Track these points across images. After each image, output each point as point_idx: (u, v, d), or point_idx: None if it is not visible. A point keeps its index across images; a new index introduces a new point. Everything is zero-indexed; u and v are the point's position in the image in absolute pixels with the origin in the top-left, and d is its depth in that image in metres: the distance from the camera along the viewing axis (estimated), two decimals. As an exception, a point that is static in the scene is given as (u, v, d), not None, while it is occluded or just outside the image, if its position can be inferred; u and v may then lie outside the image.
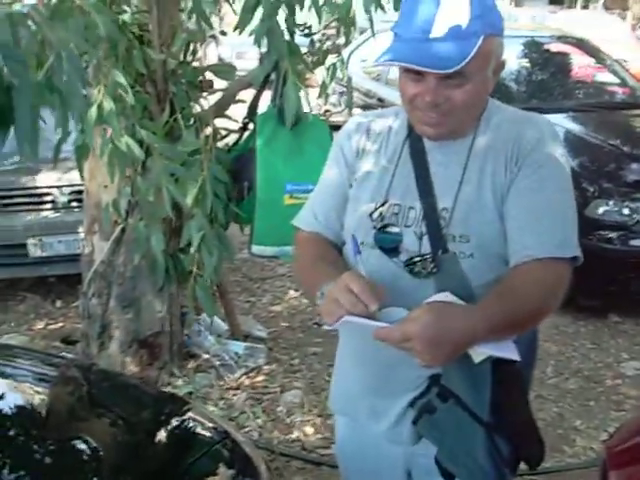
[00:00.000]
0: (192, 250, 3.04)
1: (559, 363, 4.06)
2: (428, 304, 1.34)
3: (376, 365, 1.57)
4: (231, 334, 4.03)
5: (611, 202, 4.53)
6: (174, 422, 2.04)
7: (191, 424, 2.00)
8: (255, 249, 3.31)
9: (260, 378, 3.80)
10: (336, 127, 1.80)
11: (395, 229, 1.53)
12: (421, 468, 1.73)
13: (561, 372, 3.96)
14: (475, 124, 1.52)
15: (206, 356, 3.81)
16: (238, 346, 3.92)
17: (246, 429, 3.32)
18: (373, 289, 1.36)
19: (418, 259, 1.49)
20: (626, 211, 4.49)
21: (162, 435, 1.97)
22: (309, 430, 3.37)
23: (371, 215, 1.55)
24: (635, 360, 4.12)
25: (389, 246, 1.52)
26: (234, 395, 3.61)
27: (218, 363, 3.78)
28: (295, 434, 3.34)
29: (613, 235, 4.47)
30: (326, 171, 1.71)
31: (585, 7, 31.36)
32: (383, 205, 1.54)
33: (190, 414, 2.04)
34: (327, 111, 3.67)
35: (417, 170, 1.54)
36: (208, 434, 1.98)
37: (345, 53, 3.44)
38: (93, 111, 2.62)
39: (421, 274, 1.48)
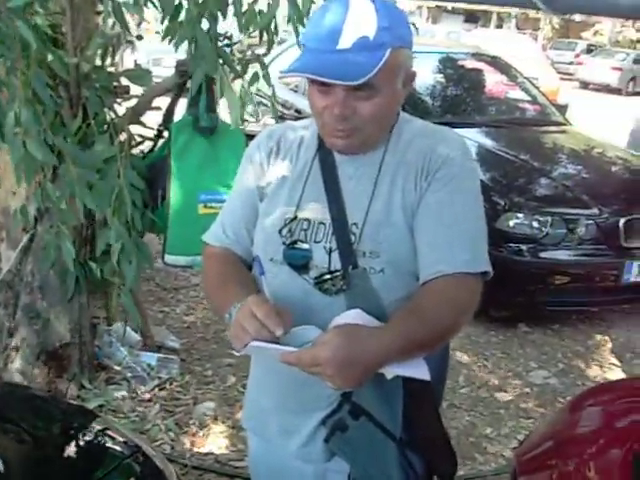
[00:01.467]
0: (113, 259, 2.96)
1: (471, 372, 4.15)
2: (337, 327, 1.32)
3: (287, 382, 1.55)
4: (144, 345, 3.95)
5: (521, 215, 4.67)
6: (83, 436, 1.97)
7: (101, 438, 1.94)
8: (168, 258, 3.26)
9: (173, 390, 3.73)
10: (252, 137, 1.77)
11: (304, 245, 1.50)
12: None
13: (472, 381, 4.05)
14: (386, 137, 1.51)
15: (117, 368, 3.71)
16: (151, 357, 3.84)
17: (158, 442, 3.25)
18: (278, 314, 1.33)
19: (328, 276, 1.46)
20: (535, 224, 4.63)
21: (71, 449, 1.91)
22: (222, 442, 3.33)
23: (280, 231, 1.52)
24: (542, 369, 4.24)
25: (298, 262, 1.49)
26: (146, 407, 3.53)
27: (130, 375, 3.69)
28: (208, 447, 3.29)
29: (523, 247, 4.61)
30: (236, 184, 1.68)
31: (499, 26, 32.50)
32: (293, 220, 1.52)
33: (100, 427, 1.98)
34: (244, 121, 3.64)
35: (327, 184, 1.52)
36: (118, 448, 1.92)
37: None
38: (12, 115, 2.53)
39: (331, 291, 1.46)
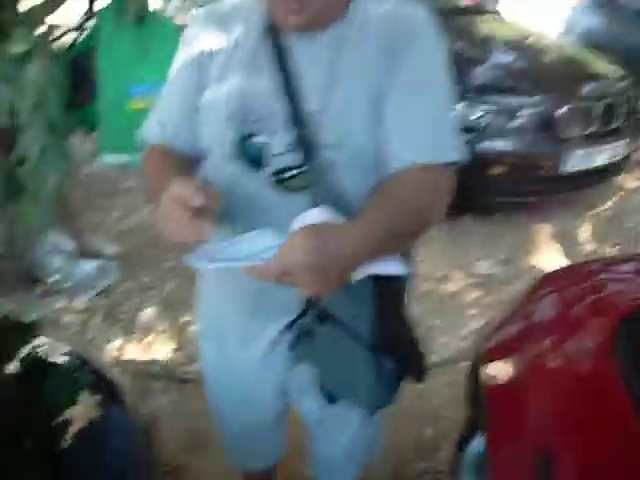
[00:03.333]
0: (30, 164, 2.75)
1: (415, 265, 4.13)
2: (304, 229, 1.17)
3: (245, 286, 1.44)
4: (80, 253, 3.79)
5: (459, 106, 4.58)
6: (24, 353, 1.85)
7: (43, 352, 1.82)
8: (102, 157, 3.08)
9: (114, 298, 3.62)
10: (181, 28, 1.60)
11: (258, 138, 1.35)
12: (297, 388, 1.67)
13: (417, 273, 4.02)
14: (343, 13, 1.35)
15: (54, 278, 3.56)
16: (89, 265, 3.69)
17: (103, 352, 3.15)
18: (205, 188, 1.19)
19: (286, 171, 1.33)
20: (473, 114, 4.56)
21: (13, 368, 1.78)
22: (169, 347, 3.25)
23: (229, 122, 1.36)
24: (486, 260, 4.26)
25: (252, 158, 1.35)
26: (88, 318, 3.42)
27: (68, 285, 3.55)
28: (156, 353, 3.22)
29: (462, 138, 4.54)
30: (173, 74, 1.50)
31: None
32: (242, 111, 1.36)
33: (41, 342, 1.86)
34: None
35: (279, 69, 1.35)
36: (63, 361, 1.82)
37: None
38: None
39: (291, 188, 1.33)
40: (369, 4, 1.38)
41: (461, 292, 3.88)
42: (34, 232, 3.37)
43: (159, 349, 3.24)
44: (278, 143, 1.34)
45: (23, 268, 3.44)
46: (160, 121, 1.50)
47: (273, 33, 1.38)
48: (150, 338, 3.31)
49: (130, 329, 3.37)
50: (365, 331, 1.39)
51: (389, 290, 1.39)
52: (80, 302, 3.50)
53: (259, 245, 1.22)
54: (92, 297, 3.55)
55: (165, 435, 2.65)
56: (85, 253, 3.79)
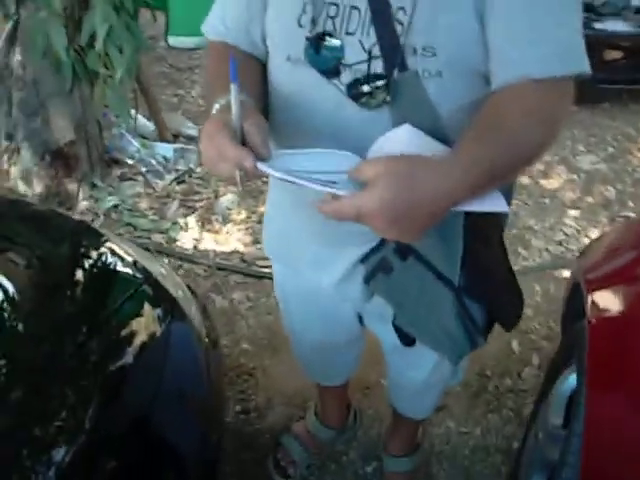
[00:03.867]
0: (97, 45, 2.57)
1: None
2: (389, 162, 0.94)
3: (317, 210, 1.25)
4: (158, 135, 3.65)
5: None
6: (91, 261, 1.73)
7: (109, 261, 1.69)
8: (172, 40, 2.90)
9: (192, 183, 3.49)
10: None
11: (333, 40, 1.10)
12: (373, 315, 1.51)
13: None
14: None
15: (131, 162, 3.46)
16: (166, 148, 3.57)
17: (178, 242, 3.06)
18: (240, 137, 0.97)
19: (365, 82, 1.09)
20: (589, -8, 4.11)
21: (79, 276, 1.67)
22: (248, 239, 3.13)
23: (299, 20, 1.12)
24: (591, 154, 3.91)
25: (325, 63, 1.11)
26: (164, 204, 3.31)
27: (145, 169, 3.44)
28: (233, 244, 3.10)
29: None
30: None
31: None
32: (315, 5, 1.10)
33: (106, 249, 1.73)
34: None
35: None
36: (128, 272, 1.69)
37: None
38: None
39: (371, 103, 1.09)
40: None
41: (561, 190, 3.58)
42: (109, 115, 3.24)
43: (237, 240, 3.13)
44: (356, 47, 1.09)
45: (98, 152, 3.33)
46: (221, 16, 1.27)
47: None
48: (227, 228, 3.19)
49: (208, 217, 3.25)
50: (452, 271, 1.19)
51: (484, 225, 1.17)
52: (157, 187, 3.38)
53: (329, 164, 1.01)
54: (170, 182, 3.43)
55: (240, 334, 2.58)
56: (163, 135, 3.65)
